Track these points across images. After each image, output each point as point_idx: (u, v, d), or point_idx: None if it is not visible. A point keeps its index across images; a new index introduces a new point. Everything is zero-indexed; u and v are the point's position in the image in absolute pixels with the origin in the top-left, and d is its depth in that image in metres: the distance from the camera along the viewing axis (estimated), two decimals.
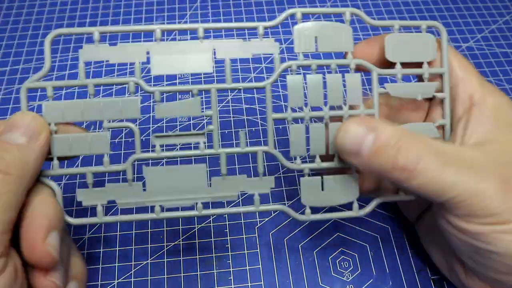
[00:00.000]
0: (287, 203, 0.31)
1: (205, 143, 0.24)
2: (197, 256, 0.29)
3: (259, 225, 0.30)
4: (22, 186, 0.21)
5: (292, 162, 0.25)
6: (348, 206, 0.25)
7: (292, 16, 0.25)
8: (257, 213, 0.31)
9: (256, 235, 0.30)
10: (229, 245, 0.29)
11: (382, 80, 0.37)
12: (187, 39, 0.40)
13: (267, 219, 0.30)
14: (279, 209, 0.25)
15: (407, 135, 0.22)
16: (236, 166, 0.33)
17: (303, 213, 0.25)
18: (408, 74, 0.26)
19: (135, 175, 0.24)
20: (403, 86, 0.25)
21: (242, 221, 0.30)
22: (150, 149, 0.31)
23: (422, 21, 0.26)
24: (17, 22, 0.44)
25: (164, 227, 0.30)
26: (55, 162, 0.23)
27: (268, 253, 0.29)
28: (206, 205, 0.25)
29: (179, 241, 0.29)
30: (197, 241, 0.29)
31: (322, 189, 0.25)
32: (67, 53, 0.41)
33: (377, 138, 0.22)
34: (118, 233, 0.30)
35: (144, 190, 0.24)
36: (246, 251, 0.29)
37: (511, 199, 0.20)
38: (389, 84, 0.25)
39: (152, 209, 0.24)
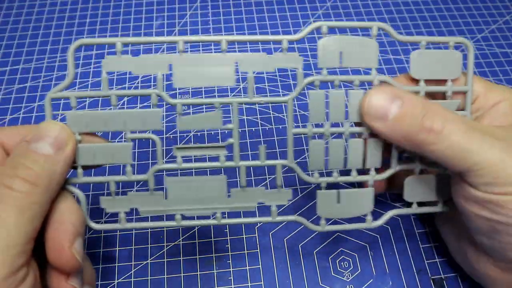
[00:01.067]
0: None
1: (225, 155, 0.24)
2: (197, 256, 0.29)
3: (259, 225, 0.30)
4: (48, 196, 0.21)
5: (310, 175, 0.25)
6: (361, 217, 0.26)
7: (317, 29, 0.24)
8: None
9: (256, 235, 0.30)
10: (229, 245, 0.29)
11: None
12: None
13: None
14: (296, 220, 0.25)
15: (433, 103, 0.23)
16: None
17: (317, 223, 0.25)
18: (432, 92, 0.25)
19: (156, 185, 0.24)
20: None
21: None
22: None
23: (450, 37, 0.25)
24: (17, 22, 0.44)
25: (164, 227, 0.30)
26: (80, 170, 0.24)
27: (268, 253, 0.29)
28: (223, 214, 0.25)
29: (179, 241, 0.29)
30: (197, 241, 0.29)
31: (338, 202, 0.25)
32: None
33: (405, 102, 0.22)
34: (118, 233, 0.30)
35: (166, 198, 0.24)
36: (246, 251, 0.29)
37: None
38: None
39: (173, 217, 0.25)
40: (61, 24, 0.43)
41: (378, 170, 0.26)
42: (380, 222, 0.26)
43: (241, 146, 0.31)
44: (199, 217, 0.25)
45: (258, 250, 0.29)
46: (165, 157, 0.33)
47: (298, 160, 0.33)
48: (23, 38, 0.42)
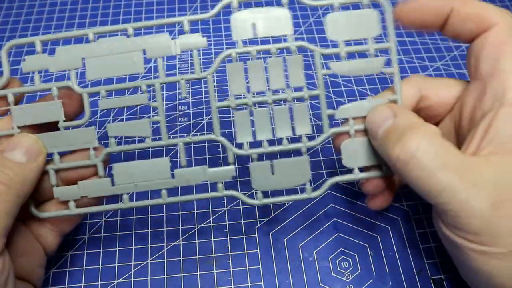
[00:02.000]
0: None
1: (152, 132, 0.25)
2: (197, 256, 0.29)
3: (259, 225, 0.30)
4: (19, 202, 0.22)
5: (240, 149, 0.25)
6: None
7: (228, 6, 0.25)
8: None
9: (256, 235, 0.30)
10: (229, 245, 0.29)
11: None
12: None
13: (267, 219, 0.30)
14: (231, 195, 0.25)
15: (420, 125, 0.22)
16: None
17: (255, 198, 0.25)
18: (352, 52, 0.25)
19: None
20: (348, 64, 0.25)
21: (242, 221, 0.30)
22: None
23: None
24: (17, 22, 0.44)
25: (164, 227, 0.30)
26: None
27: (268, 253, 0.29)
28: (169, 193, 0.26)
29: (179, 241, 0.29)
30: (197, 241, 0.29)
31: (273, 173, 0.25)
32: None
33: (392, 122, 0.22)
34: (118, 233, 0.30)
35: (113, 185, 0.25)
36: (246, 251, 0.29)
37: (495, 225, 0.19)
38: (333, 63, 0.25)
39: (121, 199, 0.25)
40: (61, 24, 0.43)
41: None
42: (320, 191, 0.25)
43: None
44: (150, 198, 0.26)
45: (258, 250, 0.29)
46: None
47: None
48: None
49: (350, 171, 0.25)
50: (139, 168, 0.25)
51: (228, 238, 0.30)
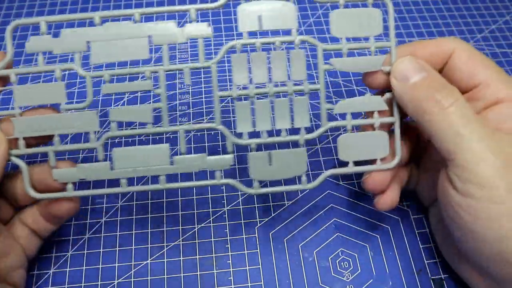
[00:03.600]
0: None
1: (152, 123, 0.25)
2: (197, 256, 0.29)
3: (259, 225, 0.30)
4: None
5: (240, 138, 0.25)
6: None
7: None
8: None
9: (256, 235, 0.30)
10: (229, 245, 0.29)
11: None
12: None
13: (267, 219, 0.30)
14: (228, 183, 0.26)
15: (454, 87, 0.24)
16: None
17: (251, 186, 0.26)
18: (354, 49, 0.26)
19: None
20: (348, 61, 0.25)
21: (242, 221, 0.30)
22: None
23: None
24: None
25: (164, 227, 0.30)
26: (21, 142, 0.25)
27: (268, 253, 0.29)
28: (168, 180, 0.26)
29: (179, 241, 0.29)
30: (197, 241, 0.29)
31: (270, 164, 0.25)
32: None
33: (428, 75, 0.24)
34: (118, 233, 0.30)
35: (112, 170, 0.25)
36: (246, 251, 0.29)
37: (506, 177, 0.21)
38: (334, 59, 0.25)
39: (118, 183, 0.25)
40: (61, 24, 0.43)
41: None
42: (316, 183, 0.26)
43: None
44: (149, 184, 0.26)
45: (258, 250, 0.29)
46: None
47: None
48: (23, 38, 0.42)
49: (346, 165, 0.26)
50: (139, 153, 0.25)
51: (228, 238, 0.30)
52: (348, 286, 0.28)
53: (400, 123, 0.26)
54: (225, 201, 0.31)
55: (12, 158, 0.25)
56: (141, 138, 0.34)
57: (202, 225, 0.30)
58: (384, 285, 0.28)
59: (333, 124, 0.26)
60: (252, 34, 0.26)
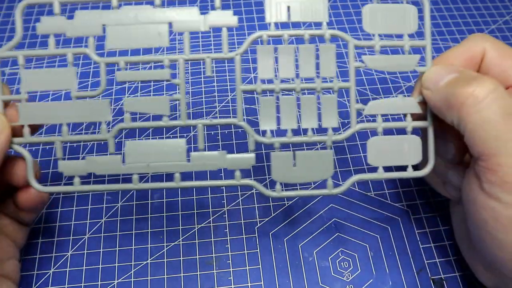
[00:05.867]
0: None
1: (170, 114, 0.24)
2: (197, 256, 0.29)
3: (259, 225, 0.30)
4: None
5: (263, 136, 0.24)
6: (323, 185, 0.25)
7: None
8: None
9: (256, 235, 0.30)
10: (229, 245, 0.29)
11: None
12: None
13: (267, 219, 0.30)
14: (249, 184, 0.24)
15: (489, 77, 0.22)
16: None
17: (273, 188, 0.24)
18: (387, 46, 0.24)
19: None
20: (381, 59, 0.24)
21: (242, 221, 0.30)
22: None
23: None
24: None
25: (164, 227, 0.30)
26: (26, 130, 0.23)
27: (268, 253, 0.29)
28: (182, 177, 0.24)
29: (179, 241, 0.29)
30: (197, 241, 0.29)
31: (294, 165, 0.24)
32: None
33: (460, 75, 0.22)
34: (118, 233, 0.30)
35: (124, 163, 0.24)
36: (246, 251, 0.29)
37: None
38: (367, 57, 0.24)
39: (130, 180, 0.24)
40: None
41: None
42: (342, 188, 0.24)
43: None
44: (162, 181, 0.24)
45: (258, 250, 0.29)
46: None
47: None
48: (23, 38, 0.42)
49: (374, 169, 0.25)
50: (153, 147, 0.23)
51: (228, 238, 0.30)
52: (348, 286, 0.28)
53: (434, 128, 0.24)
54: (225, 201, 0.31)
55: (15, 147, 0.24)
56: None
57: (202, 225, 0.30)
58: (384, 285, 0.28)
59: (363, 125, 0.24)
60: (278, 25, 0.24)
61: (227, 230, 0.30)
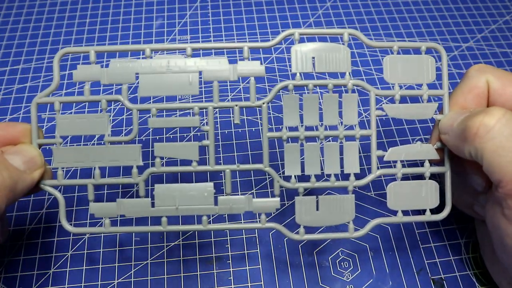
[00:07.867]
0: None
1: (198, 159, 0.25)
2: (197, 256, 0.29)
3: None
4: (3, 205, 0.22)
5: (288, 182, 0.25)
6: (343, 227, 0.26)
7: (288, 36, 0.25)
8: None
9: (256, 235, 0.30)
10: (229, 245, 0.29)
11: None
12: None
13: (267, 219, 0.30)
14: (273, 227, 0.25)
15: (498, 108, 0.22)
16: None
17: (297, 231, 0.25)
18: (407, 96, 0.26)
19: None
20: (401, 107, 0.25)
21: (242, 221, 0.30)
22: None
23: (422, 42, 0.26)
24: (17, 22, 0.44)
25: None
26: (60, 172, 0.25)
27: (268, 253, 0.29)
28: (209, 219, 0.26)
29: (179, 241, 0.29)
30: (197, 241, 0.29)
31: (317, 209, 0.25)
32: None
33: (469, 114, 0.23)
34: (118, 233, 0.30)
35: (153, 207, 0.24)
36: (246, 251, 0.29)
37: None
38: (387, 105, 0.25)
39: (159, 221, 0.25)
40: (61, 24, 0.43)
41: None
42: (362, 232, 0.25)
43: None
44: (188, 223, 0.25)
45: (258, 250, 0.29)
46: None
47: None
48: (23, 38, 0.42)
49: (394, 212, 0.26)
50: (182, 191, 0.24)
51: (228, 238, 0.30)
52: (348, 286, 0.28)
53: (451, 174, 0.25)
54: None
55: (47, 188, 0.25)
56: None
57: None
58: (384, 285, 0.28)
59: (383, 171, 0.25)
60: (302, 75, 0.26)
61: (227, 230, 0.30)
